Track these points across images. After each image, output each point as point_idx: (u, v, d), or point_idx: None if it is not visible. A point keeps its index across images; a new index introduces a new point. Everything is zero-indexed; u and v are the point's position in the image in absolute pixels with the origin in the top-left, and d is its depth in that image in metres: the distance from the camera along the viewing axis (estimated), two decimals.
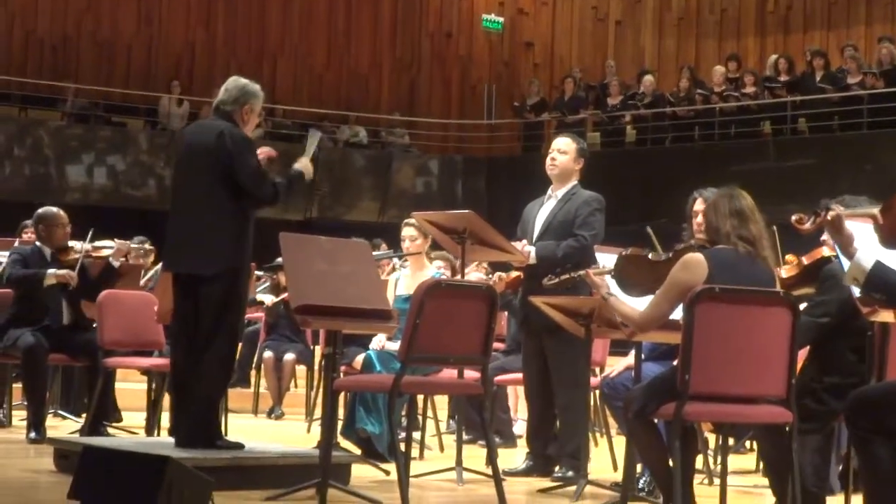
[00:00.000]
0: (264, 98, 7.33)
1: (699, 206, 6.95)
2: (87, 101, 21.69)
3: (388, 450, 8.10)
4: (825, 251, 6.65)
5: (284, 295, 11.87)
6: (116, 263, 9.53)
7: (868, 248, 4.88)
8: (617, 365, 7.45)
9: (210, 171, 6.94)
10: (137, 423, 9.74)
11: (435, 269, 8.91)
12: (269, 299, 12.58)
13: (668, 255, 5.99)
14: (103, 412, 9.09)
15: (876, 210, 4.86)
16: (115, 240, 9.72)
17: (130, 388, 11.19)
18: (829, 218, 4.91)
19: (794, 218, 5.14)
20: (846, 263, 4.90)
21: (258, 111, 7.27)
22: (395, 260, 10.39)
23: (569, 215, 7.84)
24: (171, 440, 7.15)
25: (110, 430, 9.22)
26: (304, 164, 7.28)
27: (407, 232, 8.75)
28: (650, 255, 6.06)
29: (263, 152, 7.20)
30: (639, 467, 6.72)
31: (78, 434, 8.87)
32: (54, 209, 9.60)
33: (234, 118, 7.12)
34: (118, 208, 19.70)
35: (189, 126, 7.62)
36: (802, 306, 6.44)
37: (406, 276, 8.82)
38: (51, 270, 9.22)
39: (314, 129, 7.68)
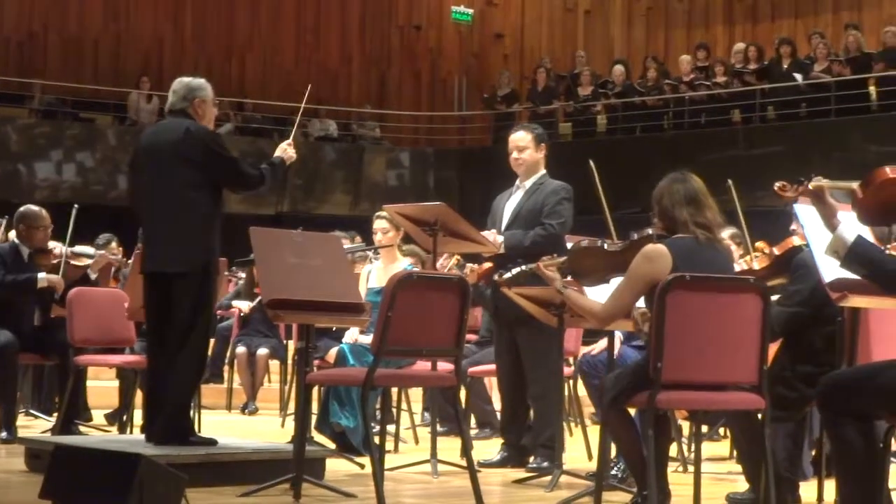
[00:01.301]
0: (233, 93, 7.34)
1: None
2: (54, 97, 21.59)
3: (362, 443, 8.09)
4: (795, 240, 6.67)
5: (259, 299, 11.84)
6: (94, 276, 9.50)
7: (851, 224, 4.89)
8: (598, 343, 7.45)
9: (177, 169, 6.93)
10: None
11: (407, 262, 8.90)
12: (244, 305, 12.53)
13: (623, 245, 5.98)
14: (75, 411, 9.05)
15: (855, 185, 4.87)
16: (96, 251, 9.69)
17: (101, 385, 11.15)
18: (811, 187, 4.91)
19: (777, 185, 5.15)
20: (825, 240, 4.90)
21: (211, 100, 7.28)
22: (369, 253, 10.38)
23: (537, 205, 7.84)
24: (144, 438, 7.12)
25: (82, 428, 9.18)
26: (281, 149, 7.36)
27: (379, 224, 8.73)
28: (605, 246, 6.05)
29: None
30: (613, 455, 6.73)
31: (49, 433, 8.83)
32: (36, 209, 9.45)
33: (189, 114, 7.13)
34: (87, 205, 19.57)
35: (147, 129, 7.63)
36: (775, 297, 6.46)
37: (378, 268, 8.80)
38: (42, 275, 9.14)
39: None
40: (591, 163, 6.90)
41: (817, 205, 4.94)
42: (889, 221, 5.33)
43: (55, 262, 9.32)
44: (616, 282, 5.82)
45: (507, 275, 6.62)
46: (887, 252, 5.74)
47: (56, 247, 9.43)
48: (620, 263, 5.74)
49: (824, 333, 6.28)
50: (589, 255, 6.02)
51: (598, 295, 6.02)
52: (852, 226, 4.88)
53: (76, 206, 9.59)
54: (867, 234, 5.22)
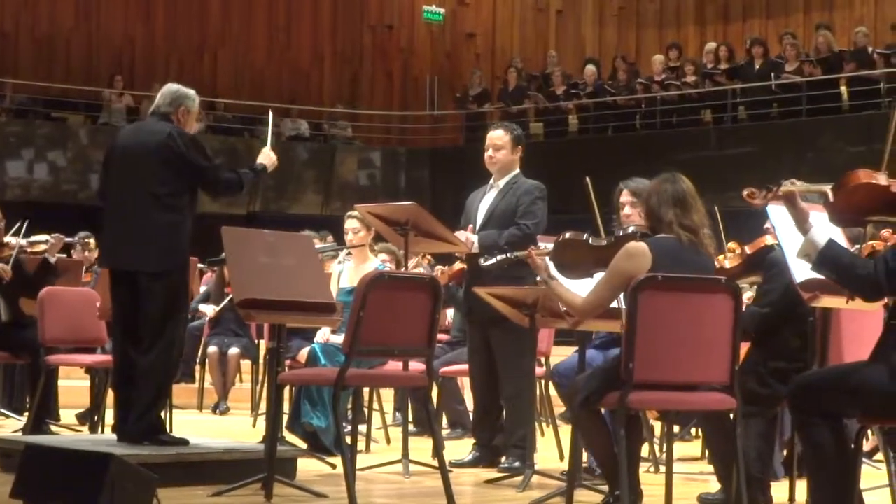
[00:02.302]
0: (205, 92, 7.37)
1: (626, 197, 6.96)
2: (25, 96, 21.49)
3: (333, 443, 8.09)
4: (768, 240, 6.69)
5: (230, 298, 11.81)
6: (53, 259, 9.45)
7: (823, 227, 4.91)
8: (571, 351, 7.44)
9: (155, 170, 6.95)
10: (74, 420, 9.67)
11: (378, 262, 8.89)
12: (209, 310, 12.49)
13: (608, 240, 5.99)
14: (46, 410, 9.02)
15: (828, 188, 4.88)
16: (51, 235, 9.64)
17: (72, 385, 11.11)
18: (780, 193, 4.93)
19: (745, 192, 5.15)
20: (797, 241, 4.92)
21: (195, 113, 7.39)
22: (340, 252, 10.37)
23: (511, 205, 7.84)
24: (115, 437, 7.10)
25: (53, 428, 9.15)
26: (265, 156, 7.40)
27: (350, 224, 8.72)
28: (590, 240, 6.05)
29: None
30: (585, 456, 6.74)
31: (20, 433, 8.80)
32: None
33: (171, 120, 7.17)
34: (59, 204, 19.54)
35: (125, 128, 7.64)
36: (748, 295, 6.49)
37: (349, 268, 8.79)
38: None
39: (269, 114, 7.88)
40: (588, 180, 6.84)
41: (790, 209, 4.95)
42: (860, 223, 5.36)
43: (8, 255, 9.28)
44: (599, 276, 5.82)
45: (491, 261, 6.58)
46: (859, 249, 5.78)
47: (12, 240, 9.41)
48: (604, 259, 5.75)
49: (797, 331, 6.31)
50: (573, 247, 6.02)
51: (580, 288, 6.01)
52: (824, 229, 4.89)
53: (27, 221, 9.56)
54: (839, 235, 5.24)
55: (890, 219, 5.20)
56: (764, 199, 5.08)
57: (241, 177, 7.20)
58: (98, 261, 8.26)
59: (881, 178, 4.82)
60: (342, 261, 9.37)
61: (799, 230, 4.91)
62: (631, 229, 5.96)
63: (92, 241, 10.93)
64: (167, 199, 6.94)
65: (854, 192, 4.82)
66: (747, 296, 7.61)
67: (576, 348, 7.15)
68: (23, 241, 9.39)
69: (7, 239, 9.43)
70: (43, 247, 9.48)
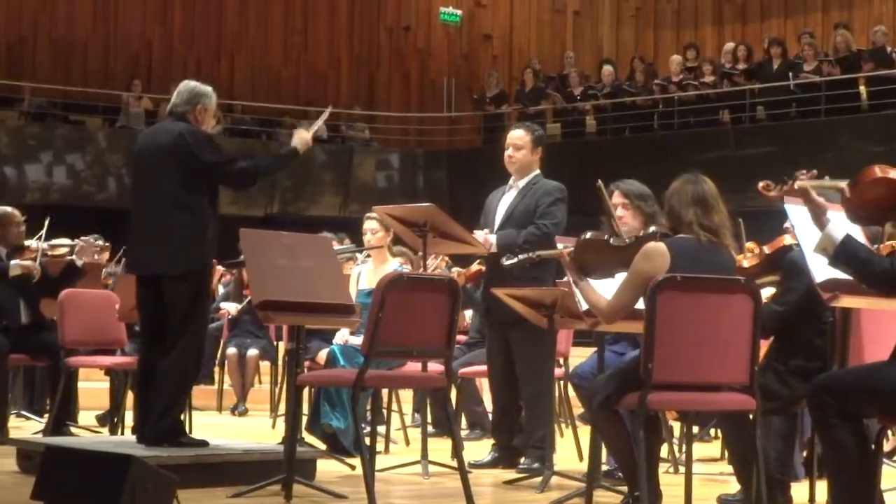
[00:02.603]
0: (222, 94, 7.36)
1: (617, 198, 6.90)
2: (44, 99, 21.55)
3: (353, 444, 8.09)
4: (787, 239, 6.67)
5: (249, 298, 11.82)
6: (80, 262, 9.47)
7: (841, 222, 4.90)
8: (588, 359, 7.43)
9: (170, 171, 6.94)
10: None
11: (397, 263, 8.90)
12: (232, 307, 12.51)
13: (630, 241, 5.97)
14: (66, 412, 9.04)
15: (844, 184, 4.87)
16: (78, 238, 9.66)
17: (92, 387, 11.13)
18: (796, 187, 4.91)
19: (760, 185, 5.14)
20: (815, 237, 4.91)
21: (212, 110, 7.33)
22: (357, 254, 10.37)
23: (530, 205, 7.83)
24: (135, 439, 7.11)
25: (73, 429, 9.17)
26: (301, 138, 7.35)
27: (369, 225, 8.72)
28: (611, 241, 6.03)
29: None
30: (605, 458, 6.73)
31: (41, 434, 8.82)
32: (7, 209, 9.53)
33: (188, 119, 7.14)
34: (77, 207, 19.58)
35: (144, 131, 7.63)
36: (767, 292, 6.47)
37: (368, 270, 8.79)
38: (14, 262, 9.17)
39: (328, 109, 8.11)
40: (600, 182, 6.76)
41: (806, 204, 4.95)
42: (878, 221, 5.33)
43: (33, 256, 9.31)
44: (621, 277, 5.82)
45: (513, 259, 6.55)
46: (878, 248, 5.76)
47: (33, 243, 9.44)
48: (625, 259, 5.73)
49: (818, 330, 6.30)
50: (593, 248, 6.01)
51: (604, 289, 6.00)
52: (842, 225, 4.88)
53: (48, 219, 9.58)
54: (858, 232, 5.23)
55: None
56: (779, 191, 5.08)
57: (257, 166, 7.17)
58: (123, 267, 8.27)
59: None
60: (363, 261, 9.37)
61: (816, 225, 4.90)
62: (651, 229, 5.94)
63: (101, 241, 10.93)
64: (185, 200, 6.93)
65: (869, 187, 4.81)
66: (766, 294, 7.60)
67: (594, 349, 7.15)
68: (44, 245, 9.42)
69: (28, 242, 9.46)
70: (64, 250, 9.50)
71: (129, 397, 8.38)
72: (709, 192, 5.69)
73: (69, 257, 9.45)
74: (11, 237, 9.39)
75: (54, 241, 9.60)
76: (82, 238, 9.60)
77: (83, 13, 22.91)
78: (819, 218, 4.89)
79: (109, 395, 9.70)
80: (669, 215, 5.74)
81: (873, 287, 4.92)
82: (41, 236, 9.48)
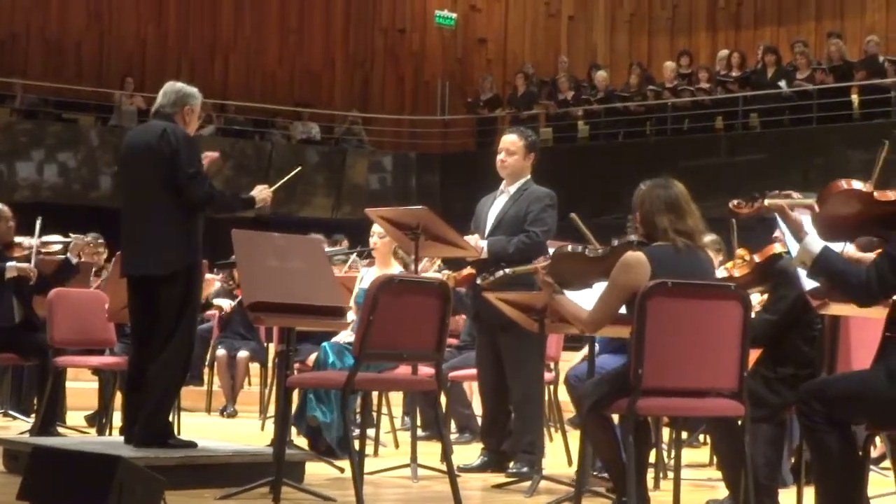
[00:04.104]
0: (216, 94, 7.34)
1: None
2: (36, 97, 21.53)
3: (336, 441, 8.09)
4: (777, 248, 6.67)
5: (239, 300, 11.81)
6: (75, 260, 9.44)
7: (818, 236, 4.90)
8: (580, 352, 7.44)
9: (155, 170, 6.91)
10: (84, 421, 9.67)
11: (399, 268, 8.90)
12: (226, 304, 12.49)
13: (605, 251, 5.95)
14: (53, 412, 9.01)
15: (812, 201, 4.88)
16: (71, 235, 9.63)
17: (80, 387, 11.11)
18: (767, 205, 4.93)
19: (732, 203, 5.15)
20: (795, 248, 4.92)
21: (199, 112, 7.29)
22: (353, 256, 10.36)
23: (520, 211, 7.83)
24: (123, 440, 7.10)
25: (61, 429, 9.15)
26: (262, 194, 7.24)
27: (376, 228, 8.67)
28: (587, 252, 6.01)
29: (208, 156, 7.19)
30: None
31: (28, 434, 8.80)
32: None
33: (174, 120, 7.11)
34: (69, 205, 19.55)
35: (130, 131, 7.59)
36: (754, 299, 6.46)
37: (373, 272, 8.77)
38: (10, 263, 9.14)
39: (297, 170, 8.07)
40: (574, 216, 6.76)
41: (784, 220, 4.96)
42: (847, 237, 5.24)
43: (25, 254, 9.28)
44: (599, 287, 5.82)
45: (490, 279, 6.60)
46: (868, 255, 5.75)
47: (24, 240, 9.40)
48: (602, 269, 5.73)
49: (806, 337, 6.31)
50: (570, 260, 6.00)
51: (583, 300, 6.00)
52: (818, 238, 4.88)
53: (40, 218, 9.55)
54: (850, 245, 5.22)
55: (879, 235, 5.10)
56: (750, 209, 5.09)
57: (217, 197, 7.04)
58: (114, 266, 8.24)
59: (863, 186, 4.80)
60: (368, 263, 9.36)
61: (795, 239, 4.91)
62: (628, 238, 5.92)
63: (101, 240, 10.91)
64: (171, 199, 6.89)
65: (836, 200, 4.81)
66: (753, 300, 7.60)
67: (586, 348, 7.15)
68: (36, 242, 9.39)
69: (19, 240, 9.42)
70: (57, 248, 9.48)
71: (118, 397, 8.36)
72: (681, 196, 5.67)
73: (62, 255, 9.43)
74: (1, 234, 9.35)
75: (46, 239, 9.57)
76: (74, 236, 9.57)
77: (76, 11, 22.89)
78: (797, 232, 4.90)
79: (98, 396, 9.67)
80: (643, 223, 5.72)
81: (850, 298, 4.92)
82: (36, 235, 9.44)
